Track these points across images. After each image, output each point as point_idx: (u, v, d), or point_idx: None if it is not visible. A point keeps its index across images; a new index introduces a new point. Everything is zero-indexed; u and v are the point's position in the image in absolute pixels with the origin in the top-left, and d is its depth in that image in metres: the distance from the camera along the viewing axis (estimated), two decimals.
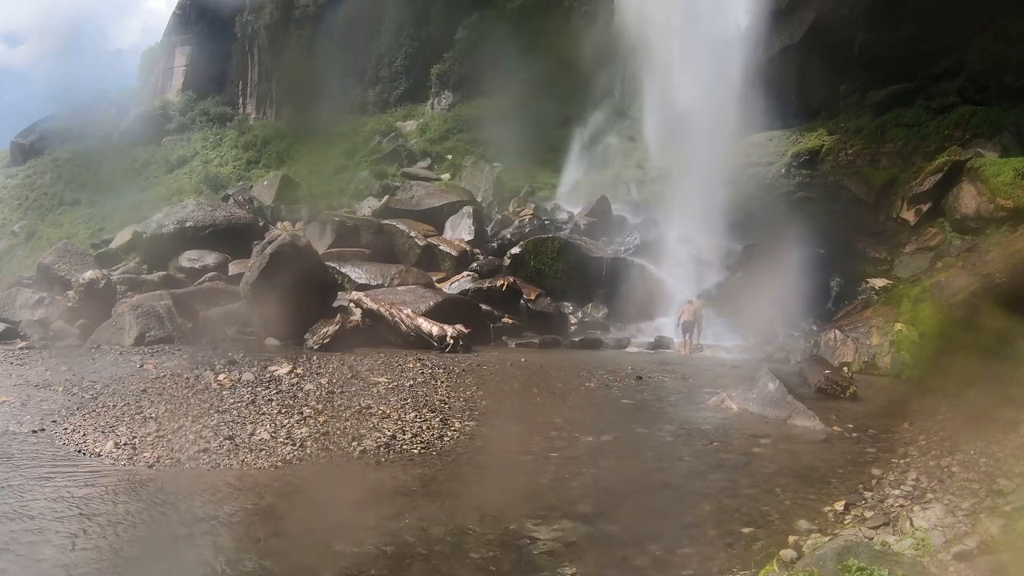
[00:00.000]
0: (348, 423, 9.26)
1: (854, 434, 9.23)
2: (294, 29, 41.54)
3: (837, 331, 14.77)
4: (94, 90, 48.02)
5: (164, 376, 11.48)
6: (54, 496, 6.85)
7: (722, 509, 6.67)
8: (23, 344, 15.34)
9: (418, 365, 12.61)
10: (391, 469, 7.88)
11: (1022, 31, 20.49)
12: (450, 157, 32.86)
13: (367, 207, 26.18)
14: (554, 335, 17.53)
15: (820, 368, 12.23)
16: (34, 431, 9.05)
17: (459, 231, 22.71)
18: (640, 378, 12.74)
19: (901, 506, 6.44)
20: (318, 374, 11.60)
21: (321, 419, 9.34)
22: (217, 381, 11.01)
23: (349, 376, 11.56)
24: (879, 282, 18.04)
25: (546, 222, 24.09)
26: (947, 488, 6.55)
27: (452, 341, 14.77)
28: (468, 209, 23.36)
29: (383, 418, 9.50)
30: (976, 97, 22.61)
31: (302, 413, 9.52)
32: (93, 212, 38.12)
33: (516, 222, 24.23)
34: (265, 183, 28.57)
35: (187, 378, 11.24)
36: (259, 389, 10.59)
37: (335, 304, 16.14)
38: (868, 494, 6.92)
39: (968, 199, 18.37)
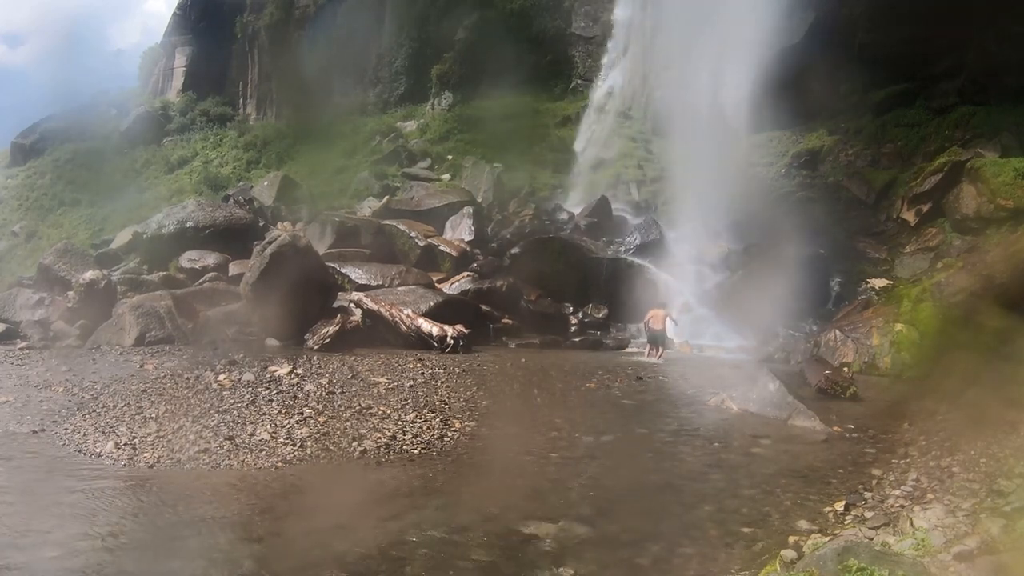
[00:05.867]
0: (348, 423, 9.26)
1: (854, 434, 9.23)
2: (294, 29, 41.51)
3: (837, 331, 14.78)
4: (94, 90, 47.96)
5: (164, 376, 11.48)
6: (54, 497, 6.85)
7: (722, 509, 6.67)
8: (23, 344, 15.34)
9: (418, 365, 12.60)
10: (391, 469, 7.88)
11: (1022, 31, 20.49)
12: (450, 157, 32.81)
13: (367, 207, 26.14)
14: (554, 335, 17.52)
15: (820, 368, 12.24)
16: (34, 431, 9.05)
17: (459, 231, 22.69)
18: (640, 378, 12.74)
19: (901, 506, 6.43)
20: (318, 374, 11.60)
21: (321, 419, 9.34)
22: (217, 381, 11.00)
23: (349, 376, 11.55)
24: (879, 282, 18.04)
25: (546, 222, 24.07)
26: (947, 488, 6.54)
27: (452, 341, 14.76)
28: (468, 209, 23.35)
29: (383, 418, 9.50)
30: (976, 97, 22.62)
31: (302, 413, 9.52)
32: (93, 212, 38.10)
33: (516, 222, 24.22)
34: (265, 183, 28.51)
35: (187, 378, 11.24)
36: (259, 389, 10.58)
37: (335, 304, 16.14)
38: (868, 494, 6.92)
39: (968, 199, 18.39)
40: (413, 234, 21.60)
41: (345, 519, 6.51)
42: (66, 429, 9.07)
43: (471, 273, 19.63)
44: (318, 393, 10.49)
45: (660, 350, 15.77)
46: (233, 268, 19.81)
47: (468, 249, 21.38)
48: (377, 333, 15.36)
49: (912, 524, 5.72)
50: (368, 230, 22.07)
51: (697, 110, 22.17)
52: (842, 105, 25.68)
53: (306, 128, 37.92)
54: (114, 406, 9.87)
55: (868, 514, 6.36)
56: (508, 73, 30.61)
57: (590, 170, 29.13)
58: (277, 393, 10.44)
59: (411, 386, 11.16)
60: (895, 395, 11.63)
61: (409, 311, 15.58)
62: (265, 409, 9.66)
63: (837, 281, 18.46)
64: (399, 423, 9.33)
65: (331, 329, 14.63)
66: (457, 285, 18.83)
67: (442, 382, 11.58)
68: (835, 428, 9.47)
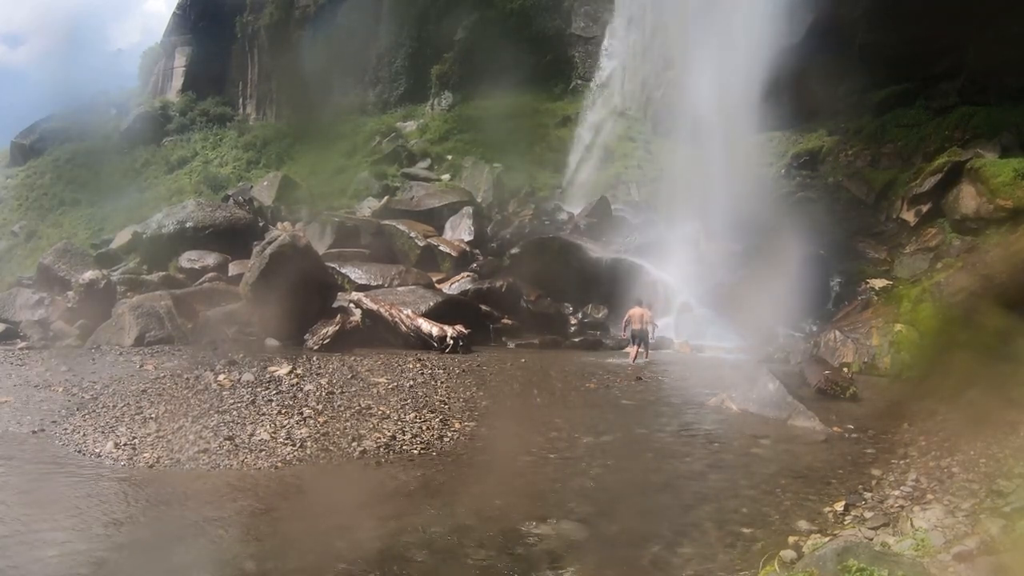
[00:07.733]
0: (348, 423, 9.26)
1: (854, 435, 9.23)
2: (294, 29, 41.51)
3: (837, 331, 14.76)
4: (94, 90, 47.90)
5: (164, 376, 11.48)
6: (53, 497, 6.85)
7: (722, 509, 6.67)
8: (23, 344, 15.34)
9: (418, 366, 12.61)
10: (391, 469, 7.88)
11: (1022, 31, 20.47)
12: (450, 157, 32.82)
13: (367, 208, 26.17)
14: (554, 336, 17.51)
15: (820, 369, 12.24)
16: (34, 432, 9.05)
17: (459, 231, 22.70)
18: (640, 378, 12.75)
19: (901, 507, 6.43)
20: (318, 375, 11.60)
21: (321, 419, 9.34)
22: (217, 382, 11.00)
23: (349, 376, 11.55)
24: (879, 282, 18.02)
25: (546, 222, 24.07)
26: (947, 489, 6.54)
27: (452, 341, 14.76)
28: (468, 209, 23.36)
29: (383, 419, 9.50)
30: (976, 97, 22.61)
31: (302, 413, 9.52)
32: (93, 212, 38.11)
33: (516, 222, 24.22)
34: (265, 183, 28.52)
35: (187, 379, 11.24)
36: (259, 390, 10.58)
37: (335, 305, 16.13)
38: (868, 495, 6.92)
39: (968, 199, 18.39)
40: (413, 234, 21.61)
41: (345, 519, 6.51)
42: (66, 429, 9.06)
43: (471, 273, 19.63)
44: (318, 393, 10.49)
45: (643, 349, 15.28)
46: (233, 268, 19.81)
47: (468, 249, 21.39)
48: (377, 333, 15.36)
49: (912, 524, 5.72)
50: (368, 230, 22.08)
51: (697, 110, 22.15)
52: (842, 105, 25.66)
53: (306, 128, 37.94)
54: (114, 406, 9.87)
55: (868, 514, 6.36)
56: (508, 73, 30.63)
57: (589, 170, 29.15)
58: (277, 393, 10.44)
59: (411, 386, 11.16)
60: (895, 395, 11.62)
61: (409, 311, 15.58)
62: (265, 409, 9.66)
63: (837, 281, 18.44)
64: (399, 423, 9.33)
65: (331, 329, 14.63)
66: (457, 285, 18.83)
67: (442, 382, 11.59)
68: (835, 428, 9.47)
